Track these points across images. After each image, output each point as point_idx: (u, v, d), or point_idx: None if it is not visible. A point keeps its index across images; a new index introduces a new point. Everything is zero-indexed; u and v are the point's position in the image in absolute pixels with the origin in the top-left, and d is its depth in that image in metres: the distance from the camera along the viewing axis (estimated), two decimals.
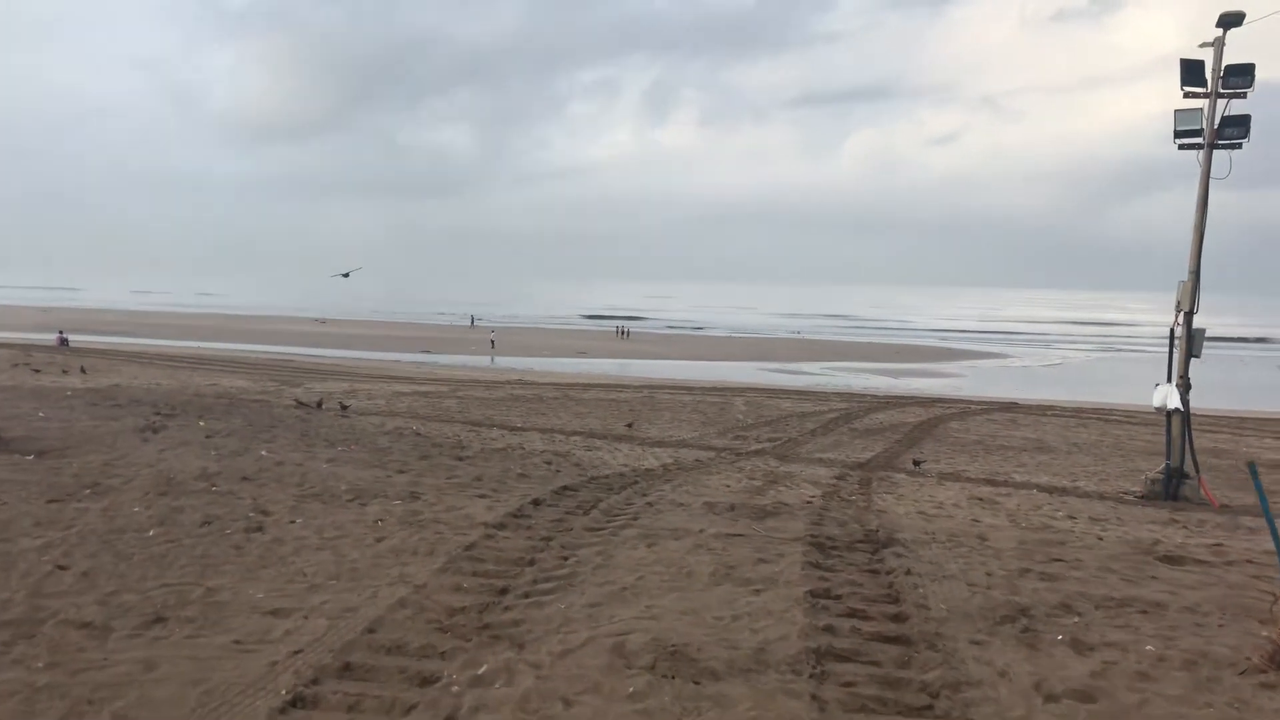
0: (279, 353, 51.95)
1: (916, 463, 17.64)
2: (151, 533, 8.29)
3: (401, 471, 11.84)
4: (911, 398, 34.93)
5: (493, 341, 64.17)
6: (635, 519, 9.67)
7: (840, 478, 15.21)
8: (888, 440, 22.02)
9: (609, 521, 9.53)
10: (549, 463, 14.04)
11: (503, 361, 54.63)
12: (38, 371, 31.06)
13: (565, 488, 11.41)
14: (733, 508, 10.66)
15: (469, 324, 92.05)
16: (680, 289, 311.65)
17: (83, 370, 31.50)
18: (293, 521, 8.92)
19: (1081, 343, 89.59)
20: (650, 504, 10.66)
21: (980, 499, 13.15)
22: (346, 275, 58.08)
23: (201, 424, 14.11)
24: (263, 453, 12.28)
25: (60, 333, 52.67)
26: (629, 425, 22.82)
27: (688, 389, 34.13)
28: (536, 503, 10.24)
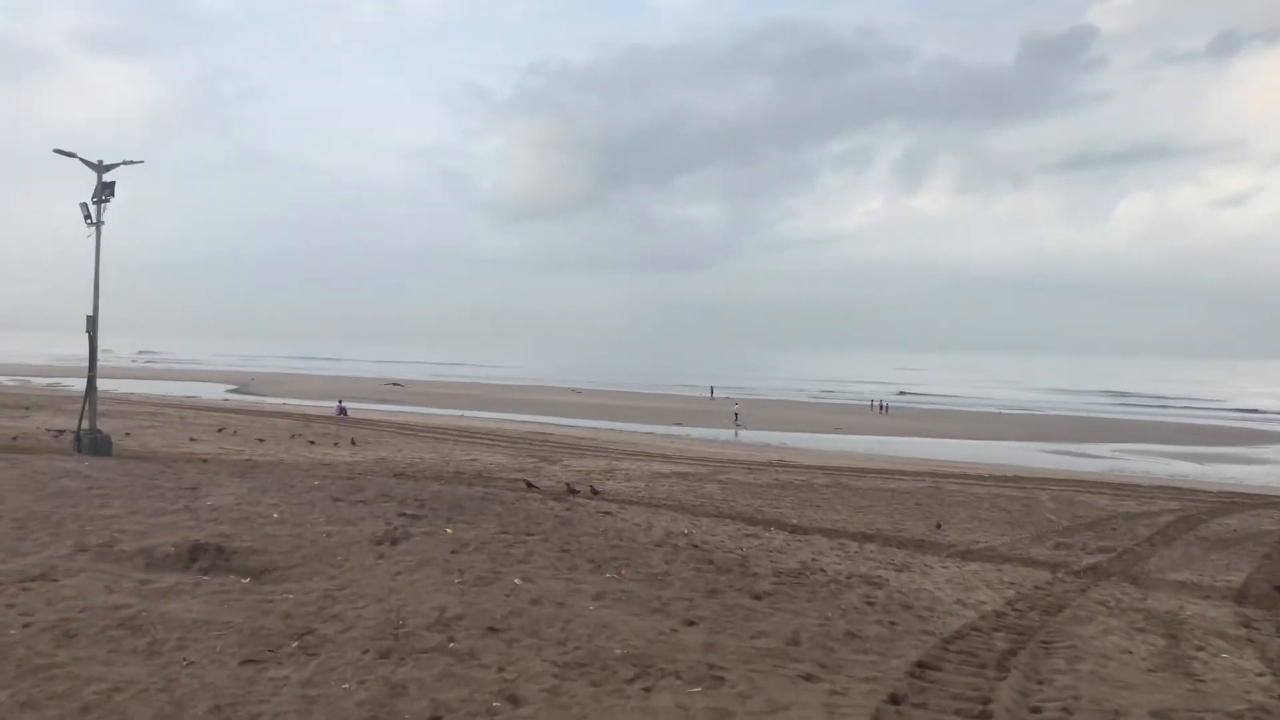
0: (538, 423, 51.25)
1: None
2: None
3: (690, 623, 8.71)
4: (1258, 495, 28.62)
5: (736, 415, 61.20)
6: None
7: (1247, 624, 10.87)
8: (1253, 555, 17.02)
9: None
10: (870, 601, 10.56)
11: (748, 436, 51.43)
12: (312, 443, 30.87)
13: (921, 665, 7.89)
14: None
15: (709, 395, 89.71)
16: (934, 360, 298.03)
17: (353, 443, 31.08)
18: None
19: None
20: (1064, 709, 6.97)
21: None
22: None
23: (449, 530, 11.70)
24: (516, 581, 9.55)
25: (340, 403, 54.46)
26: (938, 526, 19.07)
27: (976, 478, 29.51)
28: (895, 700, 6.81)
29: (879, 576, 12.44)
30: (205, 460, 23.17)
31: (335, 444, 30.84)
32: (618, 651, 7.59)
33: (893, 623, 9.70)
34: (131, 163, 24.15)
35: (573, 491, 19.08)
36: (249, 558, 9.71)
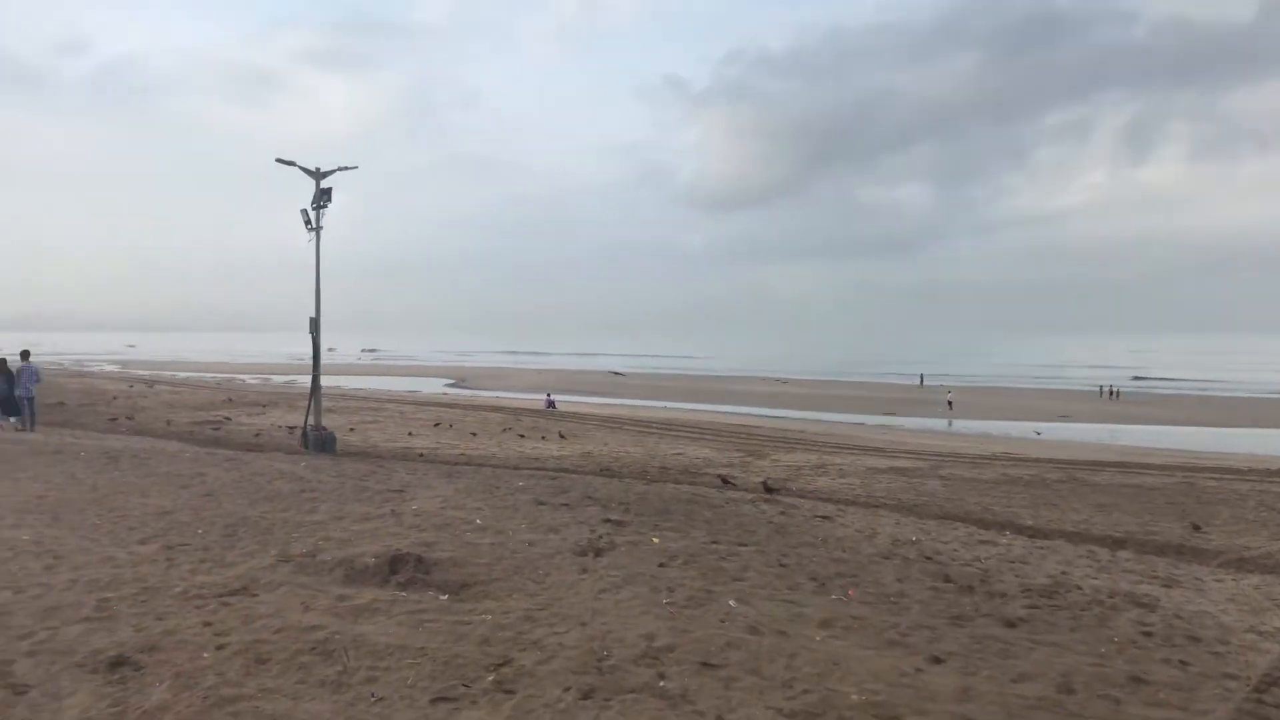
0: (744, 415, 50.22)
1: None
2: None
3: (935, 659, 7.38)
4: None
5: (950, 403, 57.85)
6: None
7: None
8: None
9: None
10: (1146, 630, 8.82)
11: (961, 425, 48.32)
12: (522, 437, 31.10)
13: None
14: None
15: (918, 383, 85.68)
16: (1171, 343, 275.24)
17: (561, 436, 31.10)
18: None
19: None
20: None
21: None
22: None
23: (655, 540, 10.80)
24: (730, 603, 8.50)
25: (548, 395, 55.40)
26: (1196, 528, 16.54)
27: (1235, 472, 26.03)
28: None
29: (1147, 595, 10.57)
30: (421, 455, 23.51)
31: (543, 437, 30.93)
32: (854, 697, 6.39)
33: (1183, 661, 7.98)
34: (347, 168, 24.82)
35: (769, 490, 17.82)
36: (449, 570, 9.13)
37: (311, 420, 24.05)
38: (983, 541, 13.69)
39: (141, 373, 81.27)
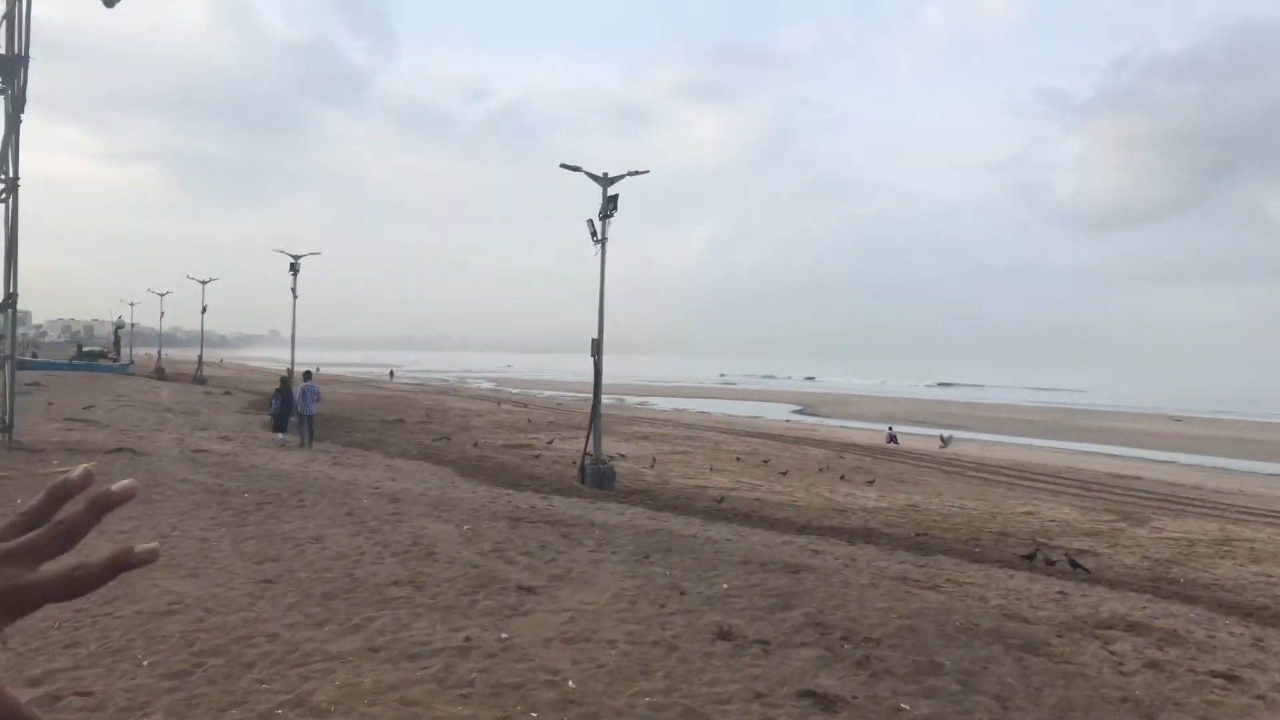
0: (1121, 459, 41.64)
1: None
2: None
3: None
4: None
5: None
6: None
7: None
8: None
9: None
10: None
11: None
12: (843, 479, 26.72)
13: None
14: None
15: None
16: None
17: (870, 483, 26.27)
18: None
19: None
20: None
21: None
22: None
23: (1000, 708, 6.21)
24: None
25: (890, 428, 49.87)
26: None
27: None
28: None
29: None
30: (720, 499, 19.95)
31: (870, 482, 26.30)
32: None
33: None
34: (638, 173, 22.06)
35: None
36: None
37: (591, 451, 21.40)
38: None
39: (511, 390, 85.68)
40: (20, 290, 17.60)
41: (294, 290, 41.09)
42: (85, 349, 77.86)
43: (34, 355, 70.17)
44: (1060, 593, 10.57)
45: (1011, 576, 11.86)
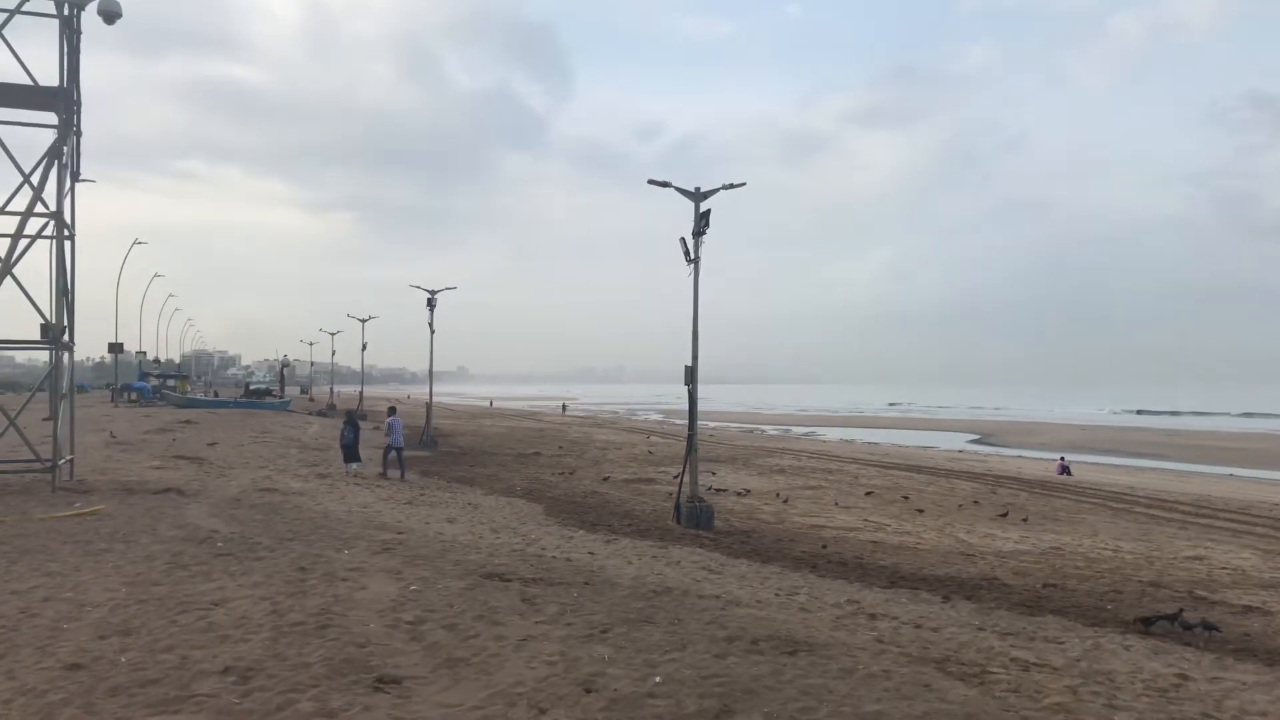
0: None
1: None
2: None
3: None
4: None
5: None
6: None
7: None
8: None
9: None
10: None
11: None
12: (1003, 516, 23.82)
13: None
14: None
15: None
16: None
17: (1023, 521, 23.25)
18: None
19: None
20: None
21: None
22: None
23: None
24: None
25: (1061, 459, 45.50)
26: None
27: None
28: None
29: None
30: (824, 546, 17.90)
31: (1025, 519, 23.34)
32: None
33: None
34: (733, 186, 20.44)
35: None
36: None
37: (686, 488, 19.75)
38: None
39: (676, 422, 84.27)
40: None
41: (431, 325, 41.44)
42: (252, 387, 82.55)
43: (215, 394, 74.53)
44: (1180, 676, 8.08)
45: (1127, 648, 9.38)
